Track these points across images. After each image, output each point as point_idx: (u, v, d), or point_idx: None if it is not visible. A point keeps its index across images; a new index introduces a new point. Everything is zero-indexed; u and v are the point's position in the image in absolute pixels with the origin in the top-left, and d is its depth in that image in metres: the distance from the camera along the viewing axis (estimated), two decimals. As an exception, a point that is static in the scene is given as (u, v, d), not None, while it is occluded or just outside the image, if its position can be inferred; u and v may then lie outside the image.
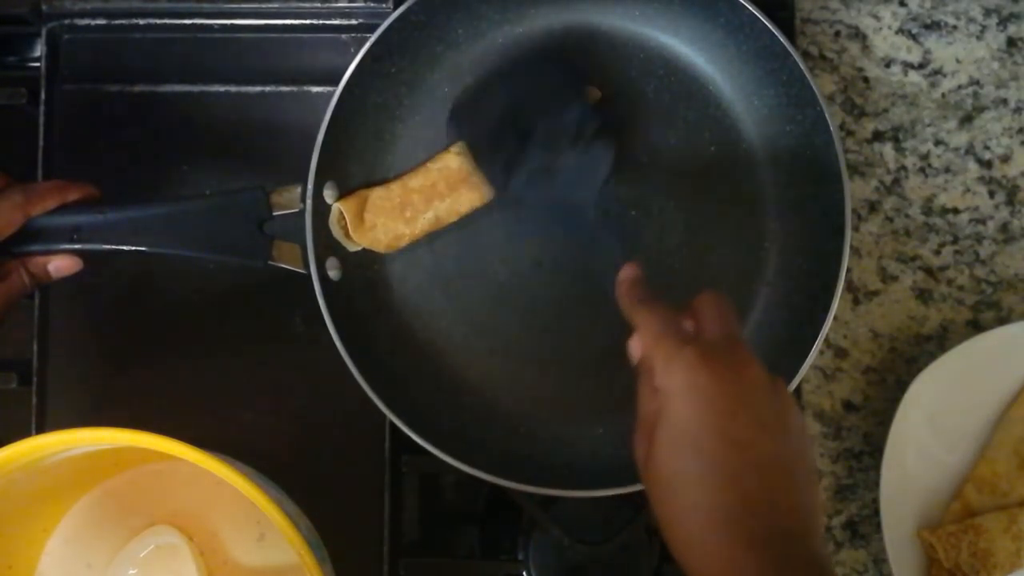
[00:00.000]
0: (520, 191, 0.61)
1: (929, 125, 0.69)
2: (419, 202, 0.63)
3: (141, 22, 0.68)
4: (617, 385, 0.64)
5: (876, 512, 0.65)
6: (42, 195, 0.57)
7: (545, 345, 0.65)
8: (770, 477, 0.43)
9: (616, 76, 0.65)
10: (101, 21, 0.68)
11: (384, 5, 0.66)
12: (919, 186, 0.69)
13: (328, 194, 0.61)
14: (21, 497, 0.56)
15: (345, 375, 0.59)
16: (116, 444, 0.51)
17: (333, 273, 0.62)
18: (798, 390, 0.63)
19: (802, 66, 0.60)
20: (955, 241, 0.69)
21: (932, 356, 0.66)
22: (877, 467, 0.64)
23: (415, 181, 0.64)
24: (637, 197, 0.63)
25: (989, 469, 0.65)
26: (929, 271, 0.69)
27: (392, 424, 0.60)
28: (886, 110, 0.69)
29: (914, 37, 0.70)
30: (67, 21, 0.68)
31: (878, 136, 0.69)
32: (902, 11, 0.70)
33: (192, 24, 0.68)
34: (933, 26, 0.70)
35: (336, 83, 0.61)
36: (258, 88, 0.68)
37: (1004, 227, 0.69)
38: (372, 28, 0.61)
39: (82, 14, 0.67)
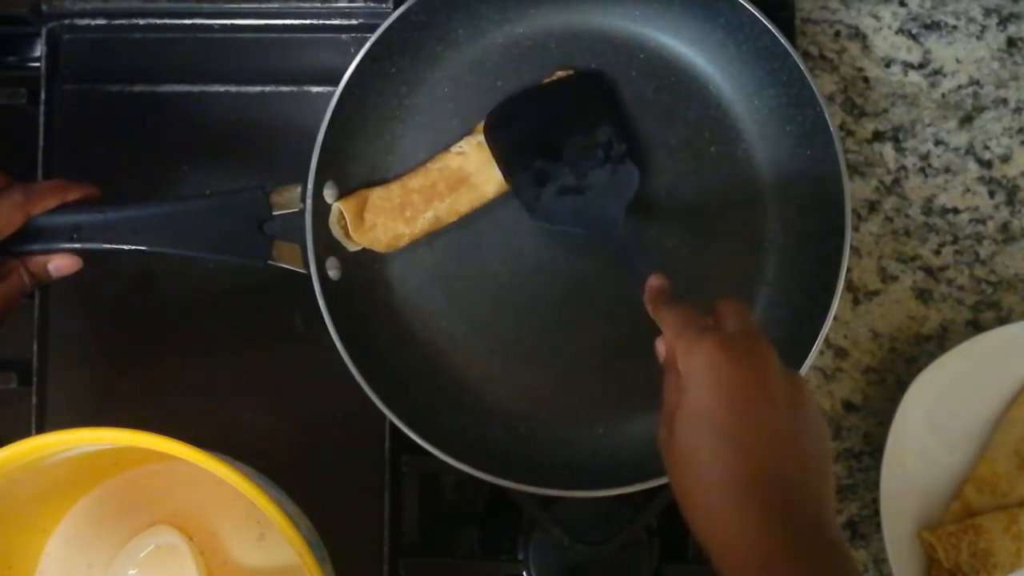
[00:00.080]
0: (549, 207, 0.62)
1: (929, 125, 0.69)
2: (419, 202, 0.63)
3: (141, 22, 0.68)
4: (617, 385, 0.64)
5: (876, 512, 0.65)
6: (42, 194, 0.57)
7: (545, 345, 0.65)
8: (781, 451, 0.44)
9: (616, 76, 0.65)
10: (101, 21, 0.68)
11: (384, 5, 0.66)
12: (919, 186, 0.69)
13: (328, 194, 0.61)
14: (21, 497, 0.56)
15: (345, 375, 0.59)
16: (116, 444, 0.51)
17: (333, 273, 0.62)
18: (798, 390, 0.63)
19: (802, 66, 0.60)
20: (955, 241, 0.69)
21: (932, 356, 0.66)
22: (877, 467, 0.64)
23: (415, 181, 0.64)
24: (637, 198, 0.63)
25: (989, 469, 0.65)
26: (929, 271, 0.69)
27: (392, 424, 0.60)
28: (886, 110, 0.69)
29: (914, 37, 0.70)
30: (67, 21, 0.68)
31: (878, 136, 0.69)
32: (902, 11, 0.70)
33: (192, 24, 0.68)
34: (933, 26, 0.70)
35: (336, 83, 0.61)
36: (258, 88, 0.68)
37: (1004, 227, 0.69)
38: (372, 28, 0.61)
39: (82, 14, 0.67)
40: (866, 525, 0.68)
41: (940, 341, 0.68)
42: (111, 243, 0.58)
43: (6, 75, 0.69)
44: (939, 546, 0.63)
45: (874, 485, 0.65)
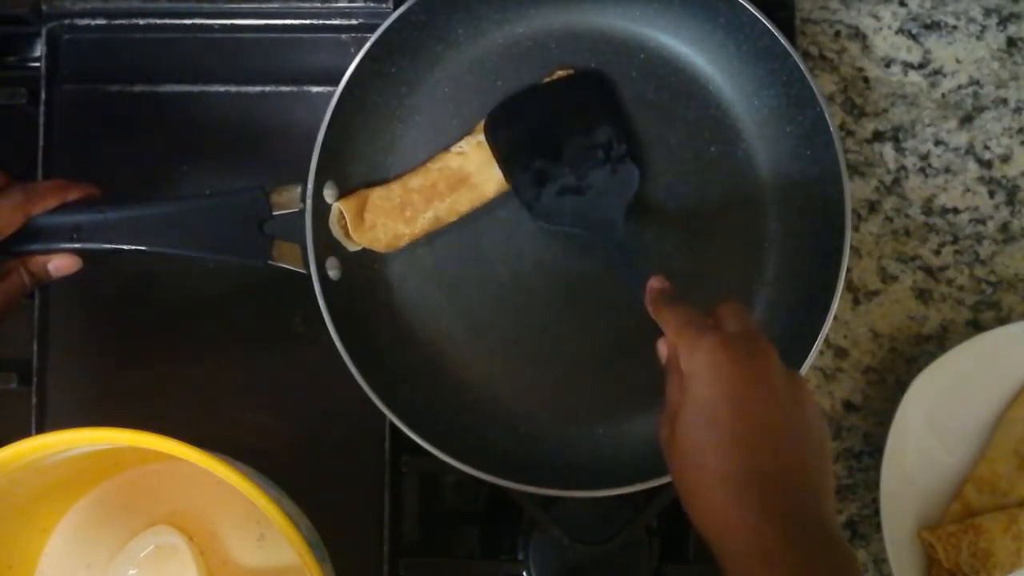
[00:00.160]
0: (549, 206, 0.62)
1: (929, 125, 0.69)
2: (419, 202, 0.63)
3: (141, 22, 0.68)
4: (617, 385, 0.64)
5: (876, 512, 0.65)
6: (42, 194, 0.57)
7: (545, 345, 0.65)
8: (784, 450, 0.45)
9: (616, 76, 0.65)
10: (101, 21, 0.68)
11: (384, 5, 0.66)
12: (919, 186, 0.69)
13: (328, 194, 0.61)
14: (21, 497, 0.56)
15: (345, 375, 0.59)
16: (116, 444, 0.51)
17: (333, 273, 0.62)
18: (798, 390, 0.63)
19: (802, 66, 0.60)
20: (955, 241, 0.69)
21: (932, 356, 0.66)
22: (877, 467, 0.64)
23: (415, 181, 0.64)
24: (637, 198, 0.63)
25: (989, 469, 0.65)
26: (929, 271, 0.69)
27: (392, 424, 0.60)
28: (886, 110, 0.69)
29: (914, 37, 0.70)
30: (67, 21, 0.68)
31: (878, 136, 0.69)
32: (902, 11, 0.70)
33: (192, 24, 0.68)
34: (933, 26, 0.70)
35: (336, 83, 0.61)
36: (258, 88, 0.68)
37: (1004, 227, 0.69)
38: (372, 28, 0.61)
39: (82, 14, 0.67)
40: (866, 525, 0.68)
41: (940, 341, 0.68)
42: (111, 243, 0.58)
43: (6, 75, 0.69)
44: (939, 546, 0.63)
45: (874, 485, 0.65)
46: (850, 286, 0.68)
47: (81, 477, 0.61)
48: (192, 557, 0.61)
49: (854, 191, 0.68)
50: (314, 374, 0.65)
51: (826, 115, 0.60)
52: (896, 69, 0.70)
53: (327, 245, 0.62)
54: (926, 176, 0.69)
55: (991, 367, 0.65)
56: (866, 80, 0.69)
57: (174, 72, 0.68)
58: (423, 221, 0.63)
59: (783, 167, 0.64)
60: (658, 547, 0.63)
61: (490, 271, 0.65)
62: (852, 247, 0.61)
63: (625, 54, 0.65)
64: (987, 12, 0.70)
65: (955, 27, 0.70)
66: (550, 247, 0.65)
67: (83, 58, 0.68)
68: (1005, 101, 0.69)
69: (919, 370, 0.64)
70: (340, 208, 0.62)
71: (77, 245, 0.58)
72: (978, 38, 0.70)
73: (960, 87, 0.69)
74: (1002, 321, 0.68)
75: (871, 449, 0.68)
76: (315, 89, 0.67)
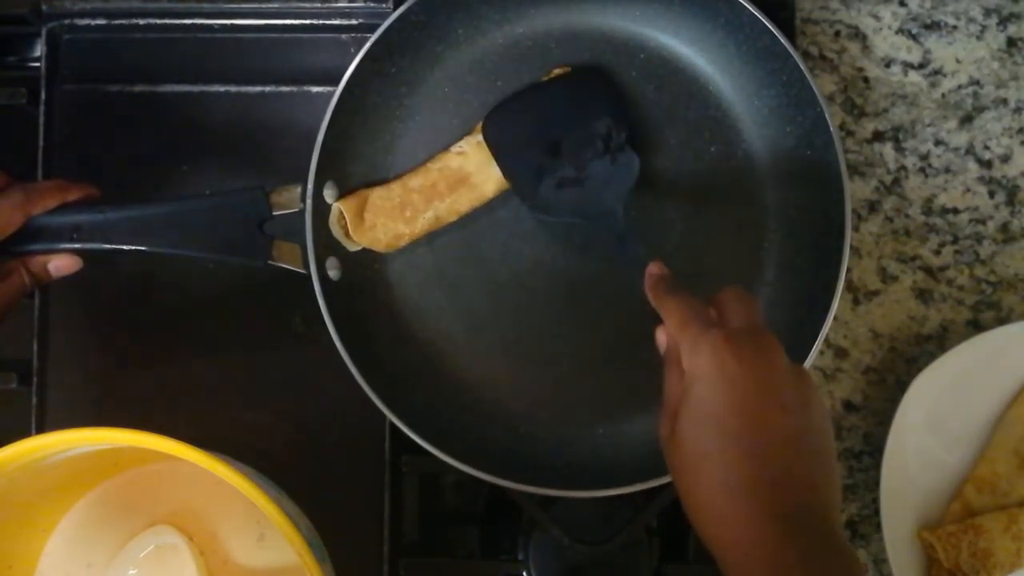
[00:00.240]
0: (549, 199, 0.62)
1: (929, 125, 0.69)
2: (419, 202, 0.63)
3: (141, 22, 0.68)
4: (617, 385, 0.64)
5: (876, 512, 0.65)
6: (42, 194, 0.57)
7: (545, 345, 0.65)
8: (789, 453, 0.44)
9: (616, 76, 0.65)
10: (101, 21, 0.68)
11: (384, 5, 0.66)
12: (919, 186, 0.69)
13: (328, 194, 0.61)
14: (21, 497, 0.56)
15: (345, 375, 0.59)
16: (116, 444, 0.51)
17: (333, 273, 0.62)
18: (798, 390, 0.62)
19: (802, 66, 0.60)
20: (955, 241, 0.69)
21: (932, 356, 0.66)
22: (877, 467, 0.64)
23: (415, 181, 0.64)
24: (637, 197, 0.63)
25: (989, 469, 0.65)
26: (929, 271, 0.69)
27: (392, 424, 0.60)
28: (886, 110, 0.69)
29: (914, 37, 0.70)
30: (67, 21, 0.68)
31: (878, 136, 0.69)
32: (902, 11, 0.70)
33: (192, 24, 0.68)
34: (933, 26, 0.70)
35: (336, 83, 0.61)
36: (258, 88, 0.68)
37: (1004, 227, 0.69)
38: (372, 28, 0.61)
39: (82, 14, 0.67)
40: (866, 525, 0.68)
41: (940, 341, 0.68)
42: (111, 243, 0.58)
43: (6, 75, 0.69)
44: (939, 546, 0.63)
45: (874, 485, 0.65)
46: (850, 286, 0.68)
47: (81, 477, 0.61)
48: (192, 557, 0.61)
49: (854, 191, 0.68)
50: (314, 374, 0.65)
51: (826, 115, 0.60)
52: (896, 69, 0.70)
53: (327, 245, 0.62)
54: (926, 176, 0.69)
55: (991, 367, 0.65)
56: (866, 80, 0.70)
57: (174, 72, 0.68)
58: (423, 221, 0.63)
59: (783, 167, 0.64)
60: (658, 547, 0.63)
61: (490, 271, 0.65)
62: (852, 247, 0.61)
63: (625, 54, 0.65)
64: (987, 12, 0.70)
65: (955, 27, 0.70)
66: (550, 247, 0.65)
67: (83, 58, 0.68)
68: (1005, 101, 0.69)
69: (919, 370, 0.64)
70: (340, 208, 0.62)
71: (77, 245, 0.58)
72: (978, 38, 0.70)
73: (960, 87, 0.69)
74: (1002, 321, 0.68)
75: (871, 449, 0.68)
76: (315, 89, 0.67)
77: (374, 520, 0.64)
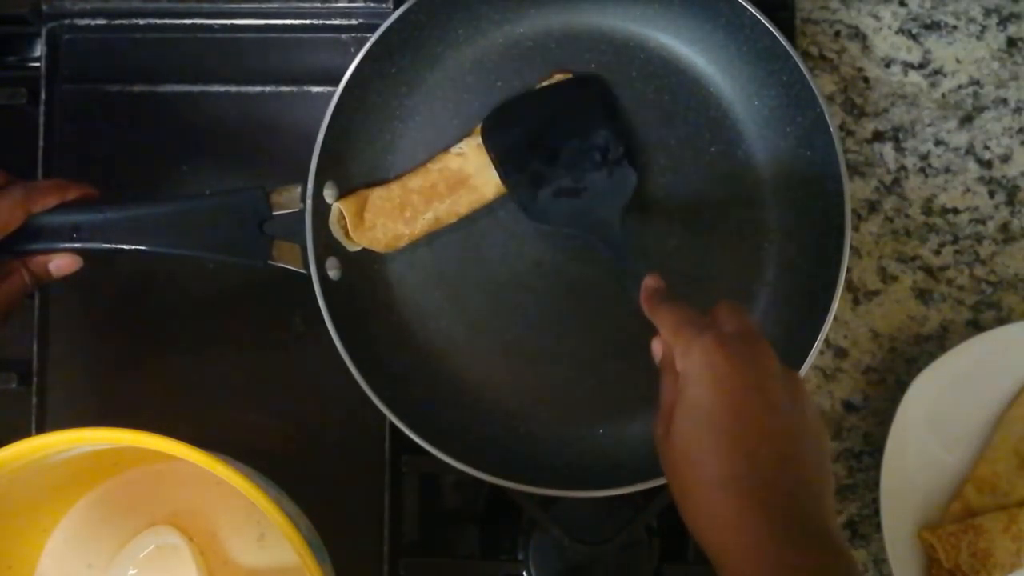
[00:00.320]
0: (546, 208, 0.62)
1: (929, 125, 0.69)
2: (419, 202, 0.63)
3: (141, 22, 0.68)
4: (617, 385, 0.64)
5: (876, 512, 0.65)
6: (42, 192, 0.57)
7: (545, 345, 0.65)
8: (781, 451, 0.44)
9: (616, 76, 0.65)
10: (101, 21, 0.68)
11: (384, 5, 0.66)
12: (919, 186, 0.69)
13: (328, 194, 0.61)
14: (21, 497, 0.56)
15: (345, 375, 0.59)
16: (116, 444, 0.51)
17: (333, 273, 0.62)
18: (798, 390, 0.63)
19: (802, 67, 0.60)
20: (955, 241, 0.69)
21: (932, 356, 0.66)
22: (877, 467, 0.64)
23: (415, 181, 0.64)
24: (637, 198, 0.63)
25: (989, 469, 0.65)
26: (929, 271, 0.69)
27: (392, 424, 0.60)
28: (886, 110, 0.69)
29: (914, 37, 0.70)
30: (67, 21, 0.68)
31: (878, 136, 0.69)
32: (902, 11, 0.70)
33: (192, 24, 0.68)
34: (933, 26, 0.70)
35: (336, 83, 0.61)
36: (258, 88, 0.68)
37: (1004, 227, 0.69)
38: (372, 28, 0.61)
39: (82, 14, 0.67)
40: (866, 525, 0.68)
41: (940, 341, 0.68)
42: (111, 243, 0.58)
43: (6, 75, 0.69)
44: (939, 546, 0.63)
45: (874, 485, 0.65)
46: (850, 286, 0.68)
47: (81, 477, 0.61)
48: (192, 557, 0.61)
49: (854, 191, 0.68)
50: (314, 374, 0.65)
51: (826, 115, 0.60)
52: (896, 69, 0.70)
53: (327, 245, 0.62)
54: (926, 176, 0.69)
55: (991, 367, 0.65)
56: (866, 80, 0.70)
57: (174, 72, 0.68)
58: (423, 222, 0.63)
59: (783, 167, 0.64)
60: (658, 547, 0.63)
61: (490, 271, 0.65)
62: (852, 247, 0.61)
63: (625, 54, 0.65)
64: (987, 12, 0.70)
65: (955, 27, 0.70)
66: (550, 248, 0.65)
67: (83, 58, 0.68)
68: (1005, 101, 0.69)
69: (919, 370, 0.64)
70: (340, 208, 0.62)
71: (77, 245, 0.58)
72: (978, 38, 0.70)
73: (960, 87, 0.69)
74: (1002, 321, 0.68)
75: (871, 449, 0.68)
76: (315, 89, 0.67)
77: (374, 520, 0.64)
